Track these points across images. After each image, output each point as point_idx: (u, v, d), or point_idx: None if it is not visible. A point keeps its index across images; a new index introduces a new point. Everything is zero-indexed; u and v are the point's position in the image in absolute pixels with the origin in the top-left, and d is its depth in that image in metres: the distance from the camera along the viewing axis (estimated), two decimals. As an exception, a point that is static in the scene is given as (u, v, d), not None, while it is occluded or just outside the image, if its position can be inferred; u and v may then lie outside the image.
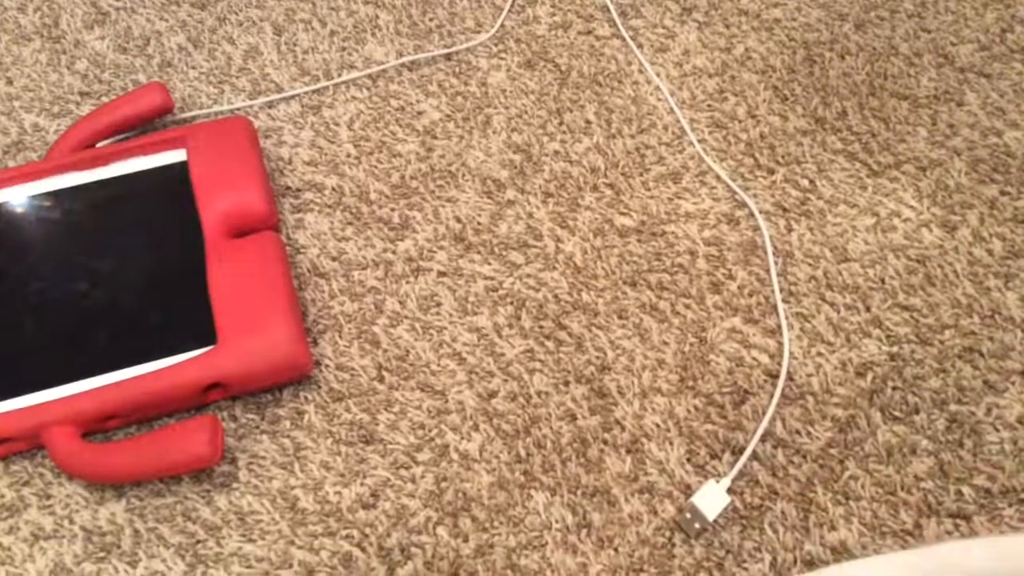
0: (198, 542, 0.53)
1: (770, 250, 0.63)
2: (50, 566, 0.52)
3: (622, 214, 0.66)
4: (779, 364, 0.59)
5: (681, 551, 0.53)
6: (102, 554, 0.53)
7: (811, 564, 0.52)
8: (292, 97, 0.72)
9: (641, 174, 0.68)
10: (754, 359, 0.59)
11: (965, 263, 0.62)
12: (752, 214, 0.65)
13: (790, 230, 0.64)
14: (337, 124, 0.71)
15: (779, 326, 0.60)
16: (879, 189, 0.66)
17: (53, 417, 0.54)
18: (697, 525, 0.52)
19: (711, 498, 0.52)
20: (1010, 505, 0.53)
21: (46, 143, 0.69)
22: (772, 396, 0.57)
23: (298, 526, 0.54)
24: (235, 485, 0.55)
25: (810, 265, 0.63)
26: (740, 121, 0.70)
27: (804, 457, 0.55)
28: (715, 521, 0.53)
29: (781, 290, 0.62)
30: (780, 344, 0.59)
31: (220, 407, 0.58)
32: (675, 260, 0.63)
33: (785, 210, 0.65)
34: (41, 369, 0.56)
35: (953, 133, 0.69)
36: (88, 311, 0.59)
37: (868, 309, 0.61)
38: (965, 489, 0.54)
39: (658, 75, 0.73)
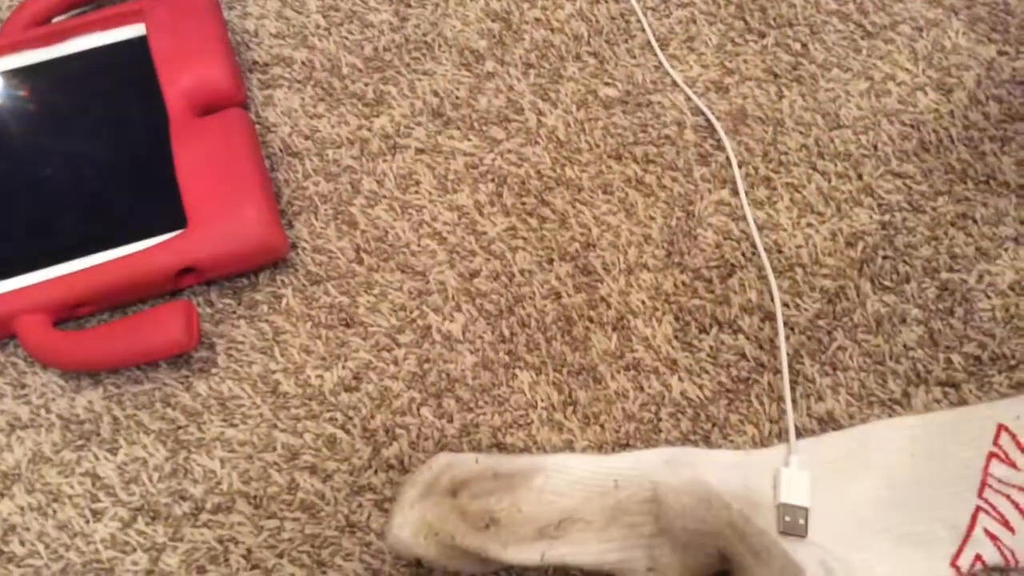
0: (179, 428, 0.53)
1: (737, 172, 0.61)
2: (28, 455, 0.52)
3: (606, 84, 0.63)
4: (768, 237, 0.57)
5: (667, 425, 0.52)
6: (81, 442, 0.52)
7: (797, 435, 0.52)
8: (256, -34, 0.68)
9: (626, 41, 0.64)
10: (742, 231, 0.57)
11: (960, 127, 0.60)
12: (713, 127, 0.62)
13: (781, 97, 0.62)
14: (305, -6, 0.67)
15: (768, 198, 0.58)
16: (873, 52, 0.63)
17: (22, 305, 0.52)
18: (802, 521, 0.48)
19: (793, 485, 0.48)
20: (1000, 372, 0.53)
21: (-3, 20, 0.66)
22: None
23: (280, 410, 0.53)
24: (214, 371, 0.54)
25: (801, 133, 0.60)
26: (729, -17, 0.67)
27: (792, 329, 0.54)
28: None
29: (771, 160, 0.60)
30: (770, 216, 0.58)
31: (195, 292, 0.56)
32: (662, 132, 0.61)
33: (776, 76, 0.62)
34: (7, 257, 0.55)
35: (952, -9, 0.66)
36: (51, 196, 0.56)
37: (860, 177, 0.59)
38: (955, 357, 0.53)
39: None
